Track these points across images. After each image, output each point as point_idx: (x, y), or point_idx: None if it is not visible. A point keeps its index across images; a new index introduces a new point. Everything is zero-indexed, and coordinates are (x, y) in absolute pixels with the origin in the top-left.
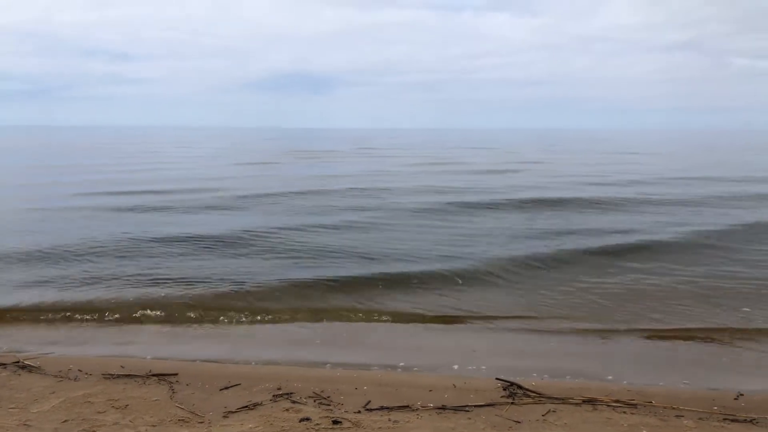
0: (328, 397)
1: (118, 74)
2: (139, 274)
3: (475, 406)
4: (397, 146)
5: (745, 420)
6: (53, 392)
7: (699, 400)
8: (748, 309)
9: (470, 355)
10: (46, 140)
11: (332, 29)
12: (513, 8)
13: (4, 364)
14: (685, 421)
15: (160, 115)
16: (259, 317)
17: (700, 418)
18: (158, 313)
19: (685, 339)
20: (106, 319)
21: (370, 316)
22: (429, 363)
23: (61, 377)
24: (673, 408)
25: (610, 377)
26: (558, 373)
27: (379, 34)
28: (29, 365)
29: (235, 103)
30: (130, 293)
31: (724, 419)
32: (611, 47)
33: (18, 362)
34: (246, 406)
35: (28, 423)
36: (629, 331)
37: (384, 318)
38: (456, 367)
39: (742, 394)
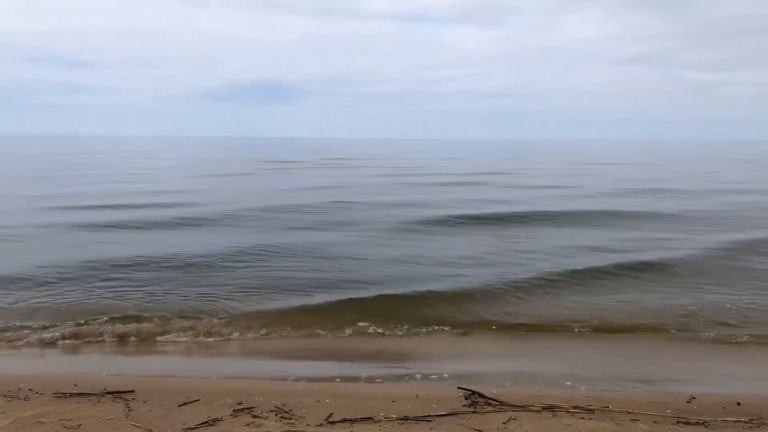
0: (290, 410)
1: (72, 82)
2: (93, 291)
3: (437, 415)
4: (366, 156)
5: (697, 423)
6: (2, 412)
7: (654, 405)
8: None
9: (433, 364)
10: None
11: (296, 39)
12: (476, 21)
13: None
14: (641, 425)
15: (118, 124)
16: (220, 333)
17: (654, 422)
18: (115, 328)
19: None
20: (59, 335)
21: (337, 332)
22: (392, 373)
23: (11, 397)
24: (629, 412)
25: (568, 383)
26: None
27: (344, 44)
28: None
29: (197, 113)
30: (85, 308)
31: (678, 422)
32: (570, 59)
33: None
34: (206, 422)
35: None
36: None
37: (348, 331)
38: (418, 377)
39: (694, 397)
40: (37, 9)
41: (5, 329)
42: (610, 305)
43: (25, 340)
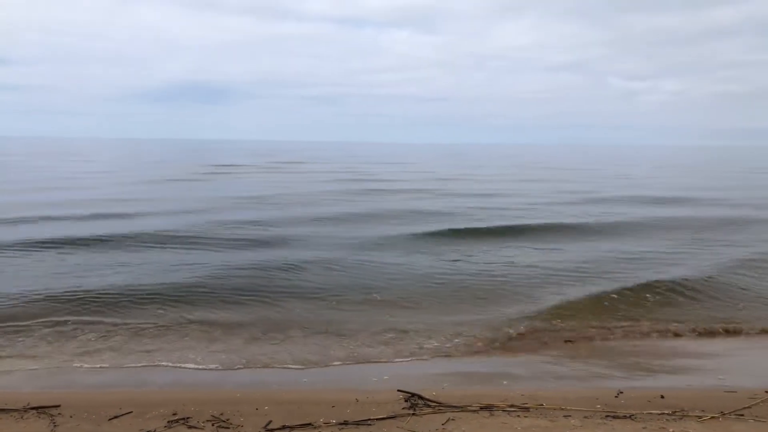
0: (228, 419)
1: None
2: (20, 300)
3: (377, 419)
4: (309, 159)
5: (625, 416)
6: None
7: (584, 400)
8: None
9: (373, 370)
10: None
11: (233, 39)
12: (414, 26)
13: None
14: (572, 421)
15: (44, 124)
16: (152, 339)
17: (585, 417)
18: (38, 339)
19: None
20: None
21: (273, 335)
22: (332, 378)
23: None
24: (562, 409)
25: (505, 382)
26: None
27: (280, 45)
28: None
29: (128, 114)
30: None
31: (606, 416)
32: (504, 65)
33: None
34: None
35: None
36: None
37: (293, 333)
38: (358, 380)
39: (621, 392)
40: None
41: None
42: None
43: None
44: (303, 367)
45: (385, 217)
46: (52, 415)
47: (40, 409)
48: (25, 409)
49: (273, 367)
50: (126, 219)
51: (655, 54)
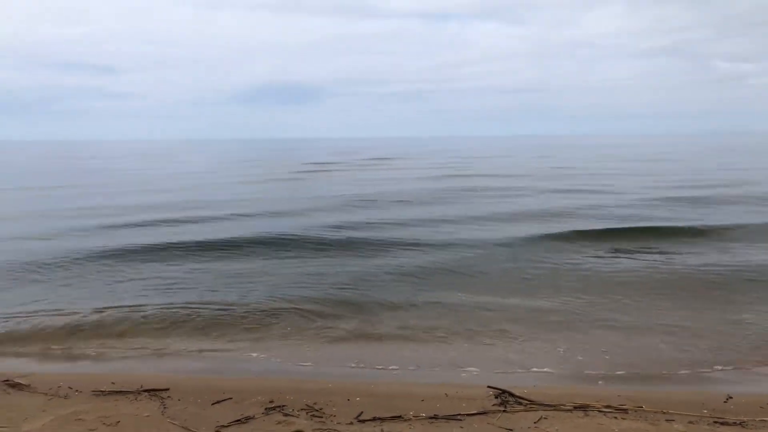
0: (321, 409)
1: (99, 88)
2: (131, 291)
3: (467, 414)
4: (399, 155)
5: (735, 423)
6: (44, 410)
7: (689, 404)
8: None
9: (462, 364)
10: (39, 156)
11: (314, 39)
12: (499, 18)
13: None
14: (676, 425)
15: (144, 128)
16: (250, 332)
17: (690, 422)
18: (150, 328)
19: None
20: (97, 335)
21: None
22: (422, 372)
23: (52, 395)
24: (664, 412)
25: (600, 382)
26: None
27: (363, 43)
28: (19, 383)
29: (219, 115)
30: (121, 310)
31: (714, 422)
32: (595, 53)
33: (8, 380)
34: (238, 420)
35: None
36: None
37: (374, 332)
38: (448, 374)
39: (731, 397)
40: (66, 16)
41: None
42: None
43: (65, 338)
44: (395, 361)
45: (516, 217)
46: (162, 398)
47: (151, 391)
48: (139, 391)
49: (364, 361)
50: (250, 219)
51: (762, 34)
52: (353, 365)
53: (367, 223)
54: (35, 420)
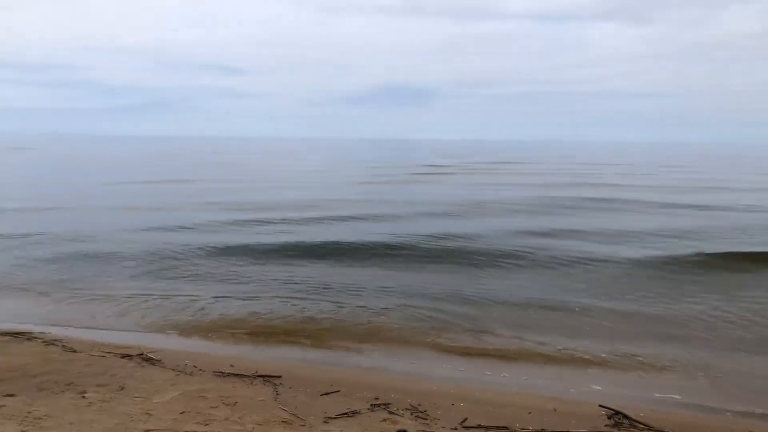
0: (425, 411)
1: (228, 88)
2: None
3: None
4: (517, 159)
5: None
6: (173, 384)
7: None
8: None
9: (574, 380)
10: (177, 150)
11: (431, 42)
12: (621, 18)
13: (131, 356)
14: None
15: (268, 126)
16: (358, 329)
17: None
18: (265, 320)
19: None
20: (219, 322)
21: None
22: (531, 383)
23: (179, 371)
24: None
25: (729, 413)
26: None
27: (479, 45)
28: (152, 358)
29: (337, 115)
30: (242, 302)
31: None
32: (730, 55)
33: (142, 354)
34: (345, 413)
35: (150, 412)
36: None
37: (486, 340)
38: (558, 388)
39: None
40: (202, 21)
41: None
42: None
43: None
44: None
45: (648, 234)
46: (275, 384)
47: (265, 377)
48: (254, 376)
49: (475, 367)
50: (368, 223)
51: None
52: (462, 370)
53: (487, 231)
54: (164, 393)
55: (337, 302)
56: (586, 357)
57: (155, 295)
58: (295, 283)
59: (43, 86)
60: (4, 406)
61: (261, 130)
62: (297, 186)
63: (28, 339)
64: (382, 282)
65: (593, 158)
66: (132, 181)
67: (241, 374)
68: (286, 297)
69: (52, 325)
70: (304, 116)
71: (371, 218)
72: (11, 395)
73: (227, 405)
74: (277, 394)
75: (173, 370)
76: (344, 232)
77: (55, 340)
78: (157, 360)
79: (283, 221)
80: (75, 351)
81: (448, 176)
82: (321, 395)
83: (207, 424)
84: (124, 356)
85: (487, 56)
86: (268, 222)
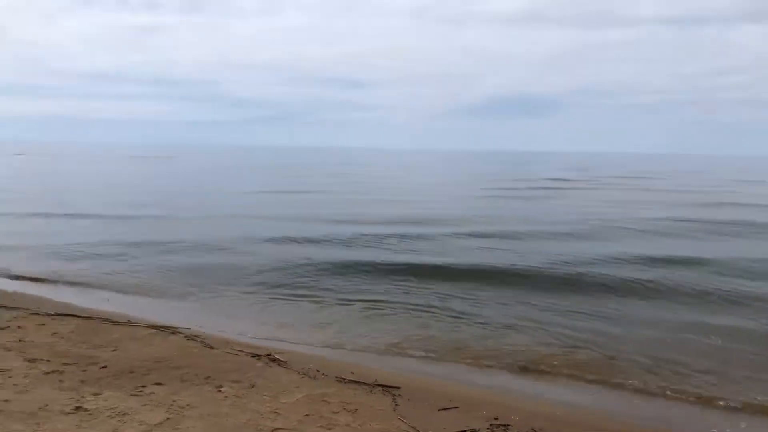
0: None
1: (351, 100)
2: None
3: None
4: (649, 174)
5: None
6: (297, 387)
7: None
8: None
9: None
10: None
11: (554, 50)
12: None
13: (260, 356)
14: None
15: (388, 138)
16: (477, 344)
17: None
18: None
19: None
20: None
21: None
22: (661, 426)
23: (303, 374)
24: None
25: None
26: None
27: (606, 53)
28: (279, 359)
29: (457, 127)
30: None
31: None
32: None
33: (270, 355)
34: (464, 431)
35: (277, 411)
36: None
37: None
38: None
39: None
40: (329, 38)
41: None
42: None
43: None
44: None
45: None
46: (393, 395)
47: (385, 387)
48: (374, 385)
49: (595, 391)
50: (493, 241)
51: None
52: (591, 398)
53: (619, 257)
54: (290, 394)
55: (458, 317)
56: (729, 406)
57: (281, 300)
58: (414, 296)
59: (185, 100)
60: (153, 393)
61: (385, 142)
62: (420, 199)
63: (173, 333)
64: (506, 301)
65: (738, 174)
66: (268, 190)
67: (361, 382)
68: (408, 309)
69: (188, 323)
70: (428, 128)
71: (497, 235)
72: (159, 383)
73: (348, 411)
74: (396, 404)
75: (298, 372)
76: (465, 252)
77: (195, 336)
78: (283, 361)
79: (419, 238)
80: (212, 347)
81: (572, 191)
82: (439, 410)
83: (330, 429)
84: (253, 356)
85: (613, 64)
86: (391, 236)
